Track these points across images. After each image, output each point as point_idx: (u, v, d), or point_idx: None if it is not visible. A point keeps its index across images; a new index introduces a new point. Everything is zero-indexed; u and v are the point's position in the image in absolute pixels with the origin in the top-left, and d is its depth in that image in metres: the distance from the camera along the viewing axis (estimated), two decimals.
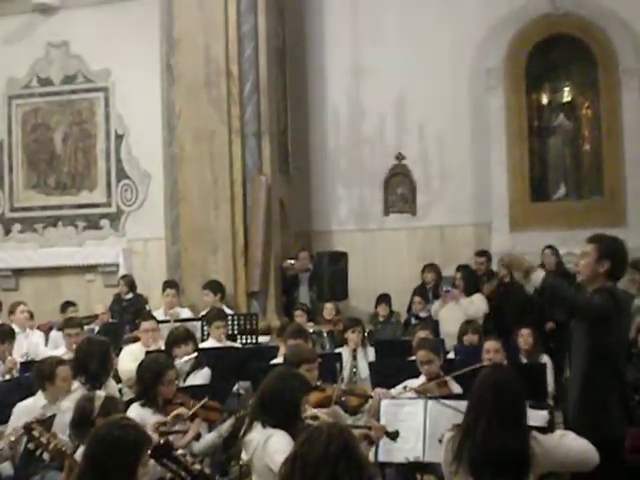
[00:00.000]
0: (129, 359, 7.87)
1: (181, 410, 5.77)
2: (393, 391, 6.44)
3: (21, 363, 8.07)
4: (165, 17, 11.65)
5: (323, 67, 12.75)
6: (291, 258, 11.58)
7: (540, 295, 5.18)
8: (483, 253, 11.22)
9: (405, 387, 6.48)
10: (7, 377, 7.63)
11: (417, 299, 10.70)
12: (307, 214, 12.62)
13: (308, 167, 12.69)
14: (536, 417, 5.31)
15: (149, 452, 3.59)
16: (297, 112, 12.59)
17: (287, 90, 12.40)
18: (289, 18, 12.54)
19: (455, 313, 9.76)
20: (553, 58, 12.18)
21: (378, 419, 5.76)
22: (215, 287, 10.56)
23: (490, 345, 7.26)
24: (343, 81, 12.60)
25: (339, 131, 12.68)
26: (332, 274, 11.33)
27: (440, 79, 12.13)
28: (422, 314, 10.49)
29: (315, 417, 5.00)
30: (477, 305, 10.04)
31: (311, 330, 9.15)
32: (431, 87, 12.14)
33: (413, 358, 6.90)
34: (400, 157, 12.49)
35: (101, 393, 5.28)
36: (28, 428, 4.84)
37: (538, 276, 5.09)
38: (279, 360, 7.23)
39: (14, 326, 9.10)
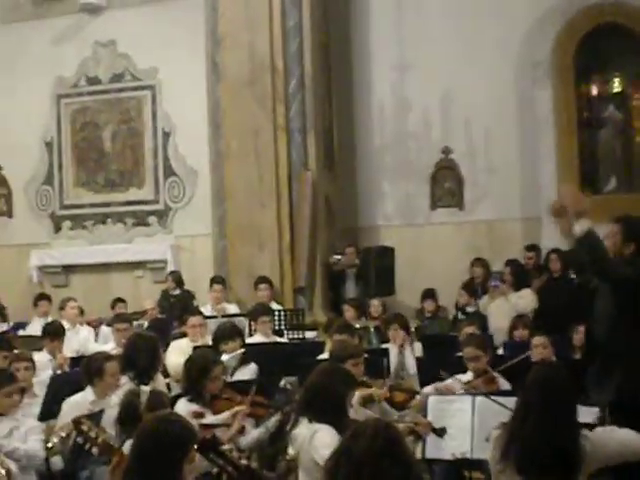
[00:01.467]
0: (177, 354, 7.93)
1: (237, 409, 5.80)
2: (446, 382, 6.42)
3: (71, 358, 8.16)
4: (210, 14, 11.71)
5: (368, 62, 12.71)
6: (338, 254, 11.57)
7: (580, 245, 5.14)
8: (532, 247, 11.12)
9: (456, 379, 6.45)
10: (58, 372, 7.72)
11: (462, 293, 10.63)
12: (353, 210, 12.59)
13: (354, 163, 12.66)
14: (586, 414, 5.25)
15: (196, 447, 3.60)
16: (342, 108, 12.56)
17: (332, 86, 12.38)
18: (334, 13, 12.51)
19: (504, 308, 9.67)
20: (602, 49, 12.00)
21: (425, 415, 5.74)
22: (270, 282, 10.66)
23: (539, 341, 7.18)
24: (388, 76, 12.54)
25: (384, 126, 12.63)
26: (379, 270, 11.30)
27: (486, 73, 12.02)
28: (469, 309, 10.42)
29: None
30: (526, 300, 9.92)
31: (357, 326, 9.12)
32: (477, 81, 12.04)
33: (461, 354, 6.86)
34: (447, 151, 12.42)
35: (146, 388, 5.32)
36: (77, 423, 4.90)
37: (584, 225, 5.04)
38: (325, 355, 7.22)
39: (64, 322, 9.20)
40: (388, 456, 3.25)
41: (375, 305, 10.38)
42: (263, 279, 10.69)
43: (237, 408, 5.86)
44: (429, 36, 12.27)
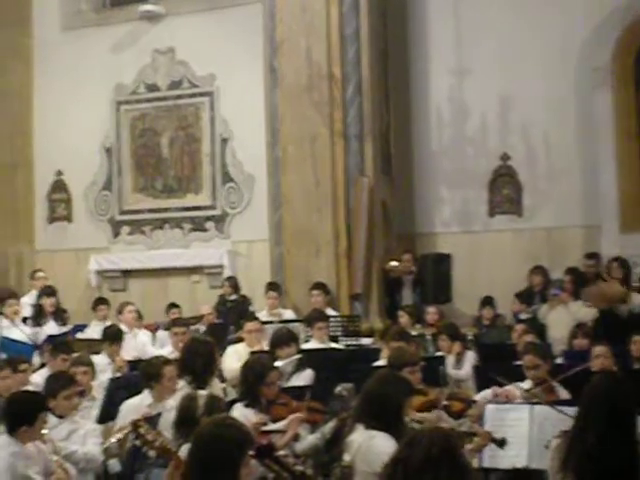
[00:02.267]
0: (233, 359, 7.96)
1: (294, 416, 5.80)
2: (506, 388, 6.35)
3: (129, 362, 8.24)
4: (268, 21, 11.76)
5: (426, 67, 12.65)
6: (394, 260, 11.52)
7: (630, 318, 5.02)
8: (593, 255, 10.96)
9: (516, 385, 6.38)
10: (117, 375, 7.80)
11: (515, 300, 10.51)
12: (410, 216, 12.53)
13: (411, 168, 12.60)
14: None
15: (252, 453, 3.60)
16: (399, 113, 12.51)
17: (389, 91, 12.34)
18: (391, 19, 12.48)
19: (563, 317, 9.53)
20: None
21: (482, 424, 5.68)
22: (325, 288, 10.67)
23: (599, 350, 7.07)
24: (446, 81, 12.47)
25: (442, 132, 12.56)
26: (436, 276, 11.25)
27: (545, 78, 11.89)
28: (522, 316, 10.29)
29: (418, 420, 4.96)
30: (586, 309, 9.77)
31: (414, 333, 9.08)
32: (536, 86, 11.91)
33: (518, 362, 6.78)
34: (505, 157, 12.30)
35: (204, 392, 5.34)
36: (135, 426, 4.93)
37: (624, 309, 4.92)
38: (382, 362, 7.19)
39: (122, 326, 9.31)
40: (445, 465, 3.22)
41: (431, 312, 10.32)
42: (318, 285, 10.70)
43: (294, 415, 5.85)
44: (487, 41, 12.17)
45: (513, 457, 5.43)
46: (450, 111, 12.55)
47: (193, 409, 5.00)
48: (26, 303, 10.70)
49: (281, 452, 4.21)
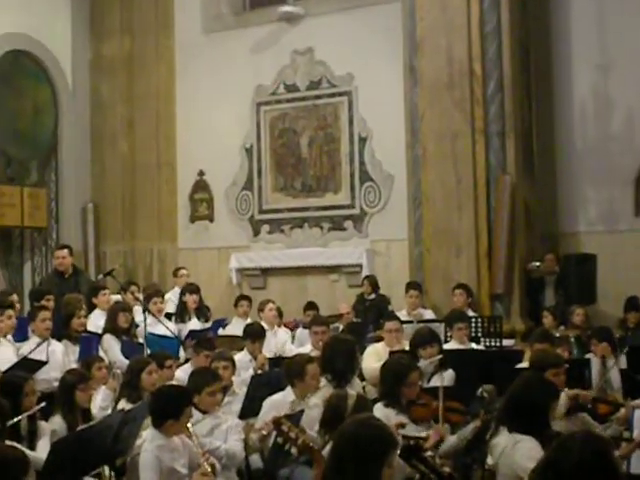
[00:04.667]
0: (373, 358, 7.95)
1: (439, 428, 5.76)
2: None
3: (270, 359, 8.34)
4: (407, 20, 11.71)
5: (569, 62, 12.32)
6: (536, 260, 11.30)
7: None
8: None
9: None
10: (259, 372, 7.90)
11: None
12: (553, 215, 12.22)
13: (554, 166, 12.30)
14: None
15: (399, 452, 3.56)
16: (542, 110, 12.23)
17: (532, 87, 12.09)
18: (533, 14, 12.21)
19: None
20: None
21: (629, 428, 5.50)
22: (468, 289, 10.61)
23: None
24: (590, 76, 12.11)
25: (586, 128, 12.20)
26: (580, 277, 10.97)
27: None
28: None
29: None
30: None
31: (557, 335, 8.88)
32: None
33: None
34: None
35: (353, 392, 5.34)
36: (277, 423, 4.97)
37: None
38: (524, 364, 7.06)
39: (263, 323, 9.42)
40: (598, 469, 3.12)
41: (579, 314, 10.04)
42: (461, 285, 10.63)
43: (438, 427, 5.79)
44: (632, 34, 11.76)
45: None
46: (594, 107, 12.19)
47: (342, 408, 5.02)
48: (169, 300, 10.99)
49: (428, 452, 4.15)
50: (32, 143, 13.96)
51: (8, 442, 5.03)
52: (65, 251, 10.67)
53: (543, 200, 12.12)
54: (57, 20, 14.14)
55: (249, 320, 10.14)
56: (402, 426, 5.54)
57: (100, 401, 6.72)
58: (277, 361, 8.09)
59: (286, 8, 13.43)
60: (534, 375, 5.19)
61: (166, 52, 14.41)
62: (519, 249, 11.13)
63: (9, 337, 8.30)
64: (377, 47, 12.61)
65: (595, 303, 11.21)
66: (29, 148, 13.94)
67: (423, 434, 5.74)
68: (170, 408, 5.41)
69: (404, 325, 8.73)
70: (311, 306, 11.07)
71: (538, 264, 11.26)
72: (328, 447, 4.50)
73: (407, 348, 7.77)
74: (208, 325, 10.38)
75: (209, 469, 5.21)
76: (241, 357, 8.12)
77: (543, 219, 12.06)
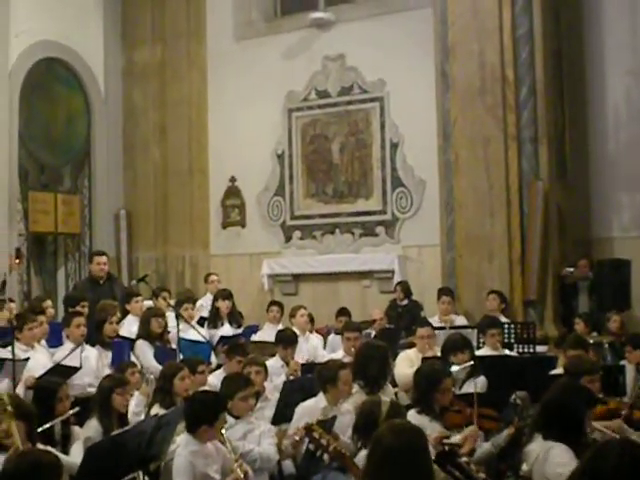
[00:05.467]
0: (405, 364, 7.93)
1: (472, 430, 5.72)
2: None
3: (303, 365, 8.34)
4: (439, 25, 11.69)
5: (602, 68, 12.24)
6: (570, 266, 11.23)
7: None
8: None
9: None
10: (291, 378, 7.90)
11: None
12: (586, 220, 12.14)
13: (587, 171, 12.21)
14: None
15: (434, 459, 3.55)
16: (575, 115, 12.16)
17: (564, 92, 12.03)
18: (565, 18, 12.15)
19: None
20: None
21: None
22: (502, 296, 10.59)
23: None
24: (623, 81, 12.02)
25: (619, 133, 12.11)
26: (613, 283, 10.90)
27: None
28: None
29: (599, 430, 4.81)
30: None
31: (591, 341, 8.80)
32: None
33: None
34: None
35: (386, 399, 5.33)
36: (309, 429, 4.97)
37: None
38: (558, 371, 7.02)
39: (295, 329, 9.42)
40: (635, 476, 3.08)
41: (615, 320, 9.95)
42: (494, 291, 10.62)
43: (470, 431, 5.76)
44: None
45: None
46: (627, 111, 12.10)
47: (376, 415, 5.00)
48: (201, 306, 11.02)
49: (464, 459, 4.13)
50: (65, 150, 14.07)
51: (42, 446, 5.08)
52: (105, 257, 10.76)
53: (576, 205, 12.04)
54: (89, 28, 14.25)
55: (280, 326, 10.15)
56: (447, 437, 5.50)
57: (133, 406, 6.75)
58: (309, 367, 8.08)
59: (317, 14, 13.46)
60: (569, 382, 5.15)
61: (198, 59, 14.47)
62: (552, 255, 11.07)
63: (43, 342, 8.37)
64: (408, 52, 12.59)
65: (630, 309, 11.12)
66: (62, 155, 14.04)
67: (457, 437, 5.71)
68: (204, 414, 5.44)
69: (436, 331, 8.71)
70: (343, 312, 11.03)
71: (571, 270, 11.20)
72: (362, 453, 4.50)
73: (439, 354, 7.74)
74: (240, 331, 10.39)
75: (242, 475, 5.22)
76: (273, 363, 8.13)
77: (576, 224, 11.98)
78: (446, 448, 4.00)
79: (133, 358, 8.27)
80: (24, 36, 13.00)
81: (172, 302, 9.99)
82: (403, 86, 12.72)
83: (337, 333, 10.03)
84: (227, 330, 10.29)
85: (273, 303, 10.99)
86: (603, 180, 12.12)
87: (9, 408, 4.99)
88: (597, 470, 3.15)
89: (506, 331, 9.27)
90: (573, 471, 3.35)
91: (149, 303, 10.37)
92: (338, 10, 13.48)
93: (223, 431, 5.47)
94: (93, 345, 8.30)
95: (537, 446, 4.67)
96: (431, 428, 5.66)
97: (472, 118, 11.15)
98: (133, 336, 8.91)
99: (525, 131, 11.00)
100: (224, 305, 10.52)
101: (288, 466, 6.55)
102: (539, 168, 11.02)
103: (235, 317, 10.69)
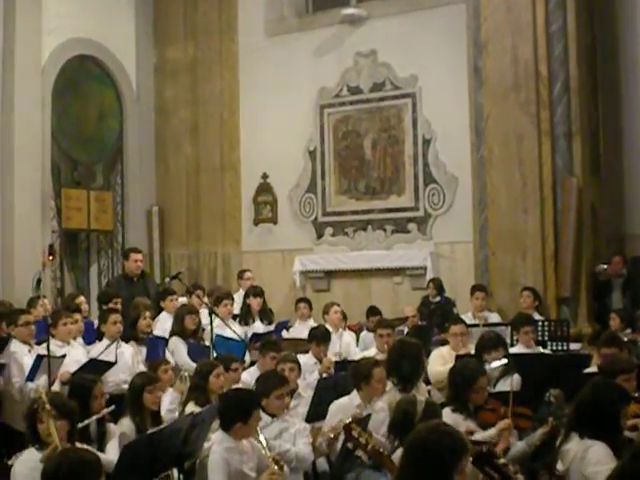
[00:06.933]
0: (438, 362, 7.92)
1: (504, 423, 5.70)
2: None
3: (336, 362, 8.34)
4: (472, 21, 11.65)
5: (636, 62, 12.13)
6: (603, 263, 11.17)
7: None
8: None
9: None
10: (324, 375, 7.90)
11: None
12: (620, 217, 12.04)
13: (621, 168, 12.12)
14: None
15: (471, 459, 3.54)
16: (609, 111, 12.07)
17: (598, 88, 11.95)
18: (599, 14, 12.07)
19: None
20: None
21: None
22: (536, 293, 10.54)
23: None
24: None
25: None
26: None
27: None
28: None
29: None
30: None
31: (625, 339, 8.74)
32: None
33: None
34: None
35: (422, 398, 5.32)
36: (348, 428, 4.98)
37: None
38: (592, 369, 6.97)
39: (328, 326, 9.42)
40: None
41: None
42: (528, 288, 10.58)
43: (503, 424, 5.73)
44: None
45: None
46: None
47: (412, 414, 5.00)
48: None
49: (501, 460, 4.11)
50: (98, 147, 14.17)
51: (79, 444, 5.12)
52: (141, 255, 10.82)
53: (610, 202, 11.96)
54: (121, 25, 14.33)
55: (311, 322, 10.15)
56: (470, 433, 5.49)
57: (168, 404, 6.78)
58: (343, 364, 8.08)
59: (349, 10, 13.43)
60: (605, 380, 5.12)
61: (229, 56, 14.49)
62: (586, 251, 11.03)
63: (79, 340, 8.43)
64: (441, 48, 12.54)
65: None
66: (95, 152, 14.14)
67: (492, 431, 5.69)
68: (239, 411, 5.45)
69: (470, 328, 8.68)
70: (373, 311, 10.98)
71: (605, 266, 11.13)
72: (398, 452, 4.50)
73: (473, 352, 7.71)
74: (272, 328, 10.40)
75: (277, 471, 5.23)
76: (306, 360, 8.14)
77: (610, 221, 11.90)
78: (484, 449, 3.98)
79: (168, 355, 8.32)
80: (56, 33, 13.08)
81: (206, 299, 10.02)
82: (435, 82, 12.66)
83: (369, 330, 10.02)
84: (258, 327, 10.31)
85: (300, 300, 11.02)
86: (637, 176, 12.02)
87: (47, 407, 5.04)
88: (637, 471, 3.13)
89: (540, 329, 9.26)
90: (612, 471, 3.33)
91: (183, 300, 10.41)
92: (370, 6, 13.45)
93: (258, 429, 5.48)
94: (127, 341, 8.34)
95: (575, 445, 4.65)
96: (465, 426, 5.65)
97: (505, 114, 11.12)
98: (167, 334, 8.94)
99: (559, 127, 10.96)
100: (255, 302, 10.54)
101: (322, 464, 6.57)
102: (573, 164, 10.98)
103: (266, 314, 10.71)
